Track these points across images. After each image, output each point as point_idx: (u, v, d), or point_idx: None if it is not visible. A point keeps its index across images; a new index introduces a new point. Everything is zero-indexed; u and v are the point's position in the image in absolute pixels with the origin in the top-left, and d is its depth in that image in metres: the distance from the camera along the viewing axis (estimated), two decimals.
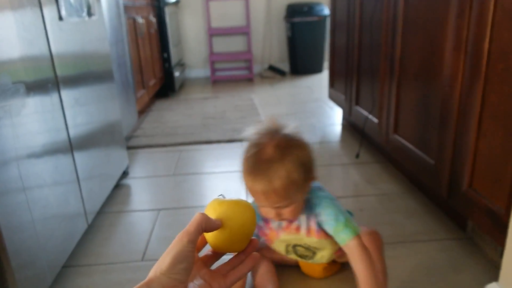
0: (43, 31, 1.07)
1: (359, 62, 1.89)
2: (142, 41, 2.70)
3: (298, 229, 0.93)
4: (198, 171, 1.85)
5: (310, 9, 3.99)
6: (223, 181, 1.74)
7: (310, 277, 1.09)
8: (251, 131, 0.84)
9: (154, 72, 3.06)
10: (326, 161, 1.90)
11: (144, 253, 1.24)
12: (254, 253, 0.53)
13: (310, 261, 1.02)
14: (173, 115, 2.84)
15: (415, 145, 1.35)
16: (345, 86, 2.11)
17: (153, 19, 3.10)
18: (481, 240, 1.17)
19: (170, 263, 0.43)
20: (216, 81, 4.10)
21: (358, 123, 1.96)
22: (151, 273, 0.44)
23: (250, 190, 0.82)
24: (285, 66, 4.39)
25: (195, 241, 0.45)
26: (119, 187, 1.70)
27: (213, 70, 4.16)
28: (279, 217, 0.85)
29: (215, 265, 0.53)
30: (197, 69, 4.39)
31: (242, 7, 4.21)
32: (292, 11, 4.03)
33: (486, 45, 0.95)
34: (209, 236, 0.50)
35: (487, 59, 0.95)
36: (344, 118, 2.41)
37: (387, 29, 1.52)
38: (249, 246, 0.53)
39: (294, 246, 0.98)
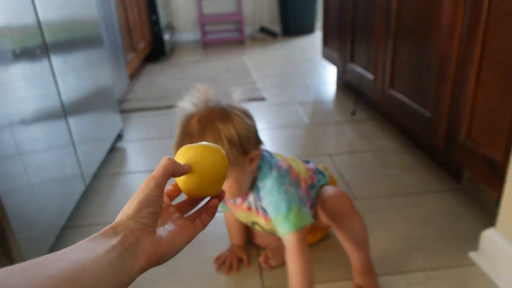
0: None
1: (353, 18, 1.85)
2: (129, 1, 2.60)
3: (249, 208, 0.88)
4: None
5: None
6: None
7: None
8: (184, 101, 0.77)
9: (144, 34, 2.98)
10: (321, 120, 1.89)
11: None
12: (214, 199, 0.52)
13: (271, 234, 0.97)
14: (164, 78, 2.79)
15: (412, 98, 1.35)
16: (339, 43, 2.07)
17: None
18: (477, 190, 1.19)
19: (137, 207, 0.43)
20: (207, 44, 4.01)
21: (353, 80, 1.94)
22: (118, 218, 0.43)
23: None
24: (276, 28, 4.30)
25: (162, 186, 0.45)
26: (115, 150, 1.69)
27: (204, 33, 4.06)
28: None
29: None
30: (187, 32, 4.28)
31: None
32: None
33: None
34: (180, 181, 0.50)
35: (488, 5, 0.93)
36: (338, 77, 2.39)
37: None
38: (221, 191, 0.53)
39: (253, 223, 0.92)
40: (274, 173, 0.81)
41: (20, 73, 0.97)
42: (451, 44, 1.08)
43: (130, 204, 0.44)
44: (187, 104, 0.76)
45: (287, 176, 0.83)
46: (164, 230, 0.47)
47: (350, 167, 1.43)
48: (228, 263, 1.01)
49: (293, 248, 0.79)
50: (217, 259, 1.04)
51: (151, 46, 3.26)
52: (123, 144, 1.76)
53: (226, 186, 0.76)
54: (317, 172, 0.97)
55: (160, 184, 0.44)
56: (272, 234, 0.95)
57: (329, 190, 0.92)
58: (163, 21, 3.41)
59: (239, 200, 0.88)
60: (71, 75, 1.26)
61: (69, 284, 0.36)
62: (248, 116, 0.77)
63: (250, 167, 0.79)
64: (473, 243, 0.99)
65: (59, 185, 1.12)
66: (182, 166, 0.48)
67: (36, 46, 1.05)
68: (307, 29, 4.13)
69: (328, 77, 2.61)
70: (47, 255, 0.39)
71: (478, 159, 1.01)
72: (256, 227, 0.93)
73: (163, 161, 0.46)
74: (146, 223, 0.43)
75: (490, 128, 0.97)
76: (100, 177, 1.48)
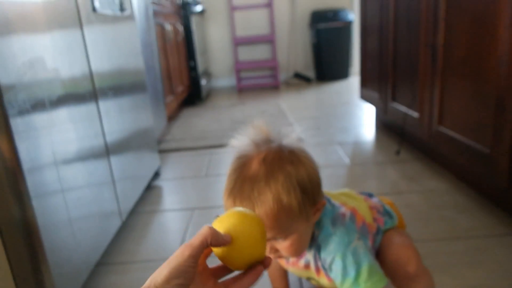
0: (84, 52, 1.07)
1: (394, 57, 1.81)
2: (170, 48, 2.71)
3: (307, 267, 0.75)
4: None
5: (334, 15, 3.94)
6: None
7: None
8: (239, 139, 0.66)
9: (182, 79, 3.07)
10: (362, 160, 1.81)
11: None
12: (259, 266, 0.48)
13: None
14: (201, 120, 2.82)
15: (465, 134, 1.26)
16: (379, 84, 2.03)
17: (180, 28, 3.12)
18: None
19: (166, 276, 0.41)
20: (242, 89, 4.08)
21: (395, 120, 1.87)
22: (146, 283, 0.42)
23: None
24: (310, 73, 4.34)
25: (198, 256, 0.42)
26: (152, 188, 1.67)
27: (239, 79, 4.15)
28: (275, 254, 0.66)
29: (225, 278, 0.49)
30: (222, 78, 4.39)
31: (267, 15, 4.21)
32: (316, 18, 3.99)
33: None
34: (217, 250, 0.46)
35: None
36: (377, 118, 2.32)
37: (427, 17, 1.44)
38: (258, 266, 0.48)
39: (309, 278, 0.79)
40: (338, 230, 0.68)
41: (69, 115, 0.99)
42: (510, 73, 1.01)
43: (160, 271, 0.42)
44: (243, 143, 0.65)
45: (353, 227, 0.70)
46: None
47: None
48: None
49: None
50: None
51: (189, 90, 3.34)
52: (160, 182, 1.74)
53: (287, 244, 0.64)
54: (383, 212, 0.81)
55: (195, 254, 0.42)
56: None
57: (394, 240, 0.76)
58: (200, 67, 3.51)
59: (291, 259, 0.75)
60: (115, 117, 1.29)
61: None
62: (313, 160, 0.66)
63: (314, 219, 0.67)
64: None
65: (96, 220, 1.09)
66: (222, 237, 0.44)
67: (86, 92, 1.09)
68: (342, 74, 4.15)
69: (366, 119, 2.55)
70: None
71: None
72: (313, 282, 0.80)
73: (203, 230, 0.43)
74: None
75: None
76: (137, 214, 1.45)
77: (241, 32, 4.24)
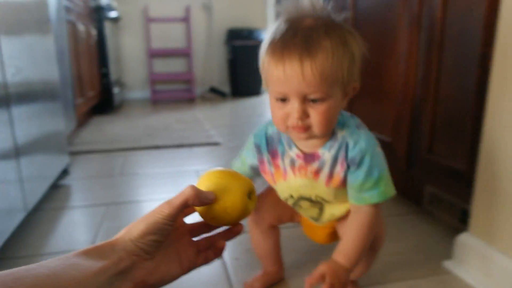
0: None
1: None
2: (82, 49, 2.57)
3: (317, 172, 0.68)
4: (146, 171, 1.75)
5: (250, 34, 4.11)
6: (176, 179, 1.65)
7: (311, 240, 0.90)
8: (284, 6, 0.62)
9: (93, 84, 2.92)
10: None
11: (94, 242, 1.12)
12: (239, 225, 0.48)
13: (314, 221, 0.80)
14: (114, 126, 2.70)
15: (372, 128, 1.40)
16: None
17: (93, 31, 2.99)
18: (438, 209, 1.22)
19: (142, 231, 0.40)
20: (157, 101, 4.00)
21: None
22: (120, 234, 0.41)
23: (275, 70, 0.59)
24: (226, 88, 4.43)
25: (176, 215, 0.41)
26: (60, 187, 1.54)
27: (154, 91, 4.07)
28: (303, 121, 0.59)
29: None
30: (137, 90, 4.26)
31: (183, 29, 4.23)
32: (232, 35, 4.12)
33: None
34: (199, 207, 0.45)
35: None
36: None
37: None
38: (238, 225, 0.48)
39: (299, 198, 0.74)
40: (364, 132, 0.66)
41: None
42: (408, 72, 1.16)
43: (136, 225, 0.41)
44: (290, 9, 0.61)
45: (373, 136, 0.68)
46: (164, 256, 0.43)
47: None
48: None
49: (366, 219, 0.66)
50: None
51: (100, 97, 3.19)
52: (69, 181, 1.61)
53: (323, 108, 0.59)
54: None
55: (174, 214, 0.41)
56: (313, 218, 0.78)
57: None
58: (113, 75, 3.38)
59: (299, 161, 0.68)
60: (26, 121, 1.21)
61: None
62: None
63: (347, 98, 0.63)
64: (445, 254, 0.99)
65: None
66: (206, 196, 0.43)
67: None
68: (256, 91, 4.30)
69: None
70: (38, 263, 0.37)
71: (442, 172, 1.04)
72: (303, 204, 0.74)
73: (186, 190, 0.42)
74: (146, 249, 0.41)
75: (452, 138, 1.02)
76: (43, 211, 1.33)
77: (157, 44, 4.19)
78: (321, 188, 0.69)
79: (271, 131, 0.72)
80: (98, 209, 1.34)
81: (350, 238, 0.67)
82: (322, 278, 0.63)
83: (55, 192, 1.49)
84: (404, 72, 1.17)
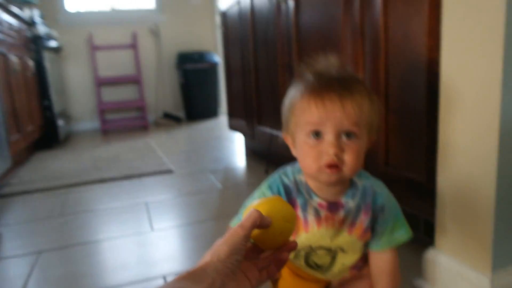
0: None
1: (256, 81, 1.89)
2: (16, 82, 2.39)
3: (343, 222, 0.66)
4: (90, 208, 1.59)
5: (200, 57, 4.04)
6: (122, 215, 1.50)
7: None
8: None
9: (33, 118, 2.71)
10: (233, 184, 1.79)
11: None
12: (292, 242, 0.52)
13: (320, 273, 0.74)
14: (57, 162, 2.50)
15: None
16: (245, 110, 2.08)
17: (30, 62, 2.80)
18: None
19: (228, 252, 0.44)
20: (108, 131, 3.81)
21: (263, 143, 1.92)
22: (207, 258, 0.44)
23: (314, 107, 0.59)
24: (180, 113, 4.31)
25: (248, 236, 0.46)
26: None
27: (104, 120, 3.88)
28: (338, 157, 0.58)
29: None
30: (85, 121, 4.05)
31: (131, 56, 4.10)
32: (183, 59, 4.03)
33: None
34: (256, 232, 0.49)
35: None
36: (247, 146, 2.37)
37: (282, 42, 1.54)
38: (286, 246, 0.52)
39: (315, 248, 0.70)
40: (377, 181, 0.68)
41: None
42: None
43: (221, 248, 0.45)
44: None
45: None
46: (239, 276, 0.47)
47: None
48: None
49: (393, 261, 0.69)
50: None
51: (43, 131, 2.97)
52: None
53: (355, 146, 0.59)
54: None
55: (248, 234, 0.46)
56: (323, 268, 0.73)
57: None
58: (57, 107, 3.18)
59: (324, 212, 0.66)
60: None
61: None
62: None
63: (367, 146, 0.64)
64: (414, 271, 0.92)
65: None
66: (266, 220, 0.48)
67: None
68: (211, 113, 4.21)
69: (236, 149, 2.58)
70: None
71: (402, 184, 0.98)
72: (319, 252, 0.71)
73: (253, 213, 0.47)
74: (232, 269, 0.44)
75: (408, 148, 0.96)
76: None
77: (104, 72, 4.02)
78: (343, 238, 0.68)
79: (287, 181, 0.69)
80: (28, 258, 1.17)
81: (385, 283, 0.69)
82: None
83: None
84: None
